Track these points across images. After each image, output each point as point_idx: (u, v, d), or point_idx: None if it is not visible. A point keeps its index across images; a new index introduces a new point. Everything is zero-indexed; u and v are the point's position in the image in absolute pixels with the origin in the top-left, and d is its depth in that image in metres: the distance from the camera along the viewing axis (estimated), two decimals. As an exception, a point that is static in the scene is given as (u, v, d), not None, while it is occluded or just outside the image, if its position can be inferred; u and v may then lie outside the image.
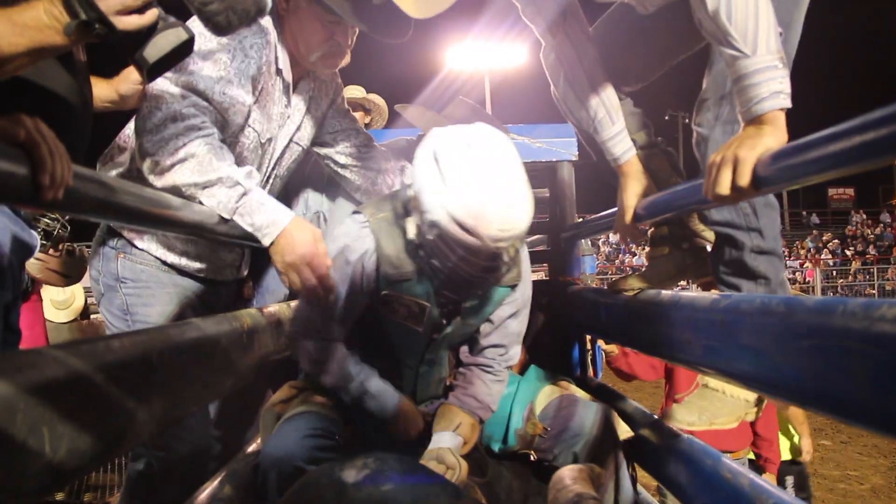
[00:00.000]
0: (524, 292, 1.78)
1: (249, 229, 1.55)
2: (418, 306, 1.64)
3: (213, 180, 1.53)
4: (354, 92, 3.49)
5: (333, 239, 1.68)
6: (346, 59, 1.87)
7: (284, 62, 1.79)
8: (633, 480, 1.75)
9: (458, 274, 1.50)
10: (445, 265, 1.51)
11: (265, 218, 1.56)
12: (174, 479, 1.74)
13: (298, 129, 1.94)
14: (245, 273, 2.10)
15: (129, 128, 1.77)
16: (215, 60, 1.62)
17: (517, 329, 1.82)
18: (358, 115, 3.45)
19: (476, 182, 1.39)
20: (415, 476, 1.33)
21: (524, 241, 1.64)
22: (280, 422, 1.61)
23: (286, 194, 2.14)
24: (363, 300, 1.66)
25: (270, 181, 1.95)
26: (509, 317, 1.78)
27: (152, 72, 1.18)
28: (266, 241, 1.57)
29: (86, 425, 0.82)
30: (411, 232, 1.56)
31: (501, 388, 1.81)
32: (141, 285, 1.80)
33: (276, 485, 1.45)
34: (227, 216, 1.53)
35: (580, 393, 1.85)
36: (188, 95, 1.58)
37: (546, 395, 1.81)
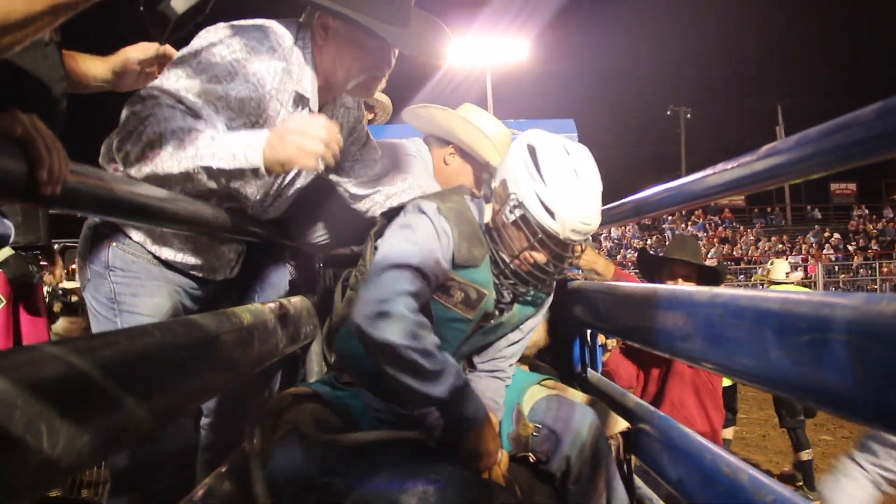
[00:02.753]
0: (550, 301, 1.94)
1: (233, 164, 1.48)
2: (476, 293, 1.70)
3: (176, 145, 1.46)
4: None
5: (409, 227, 1.67)
6: (383, 85, 1.88)
7: (313, 92, 1.78)
8: (630, 476, 1.77)
9: (522, 264, 1.66)
10: (515, 252, 1.65)
11: (241, 143, 1.49)
12: (161, 477, 1.73)
13: None
14: (236, 272, 2.08)
15: None
16: (203, 74, 1.58)
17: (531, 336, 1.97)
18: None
19: (569, 179, 1.61)
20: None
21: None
22: (282, 432, 1.59)
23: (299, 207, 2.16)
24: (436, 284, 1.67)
25: (276, 200, 1.97)
26: (533, 328, 1.95)
27: (177, 25, 1.14)
28: (255, 160, 1.49)
29: (84, 421, 0.81)
30: (487, 216, 1.74)
31: (506, 390, 1.89)
32: (130, 275, 1.77)
33: (291, 497, 1.46)
34: (206, 163, 1.47)
35: (569, 391, 1.89)
36: (156, 95, 1.53)
37: (532, 394, 1.84)
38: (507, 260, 1.67)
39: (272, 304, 1.80)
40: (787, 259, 24.14)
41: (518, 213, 1.62)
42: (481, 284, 1.70)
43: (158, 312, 1.78)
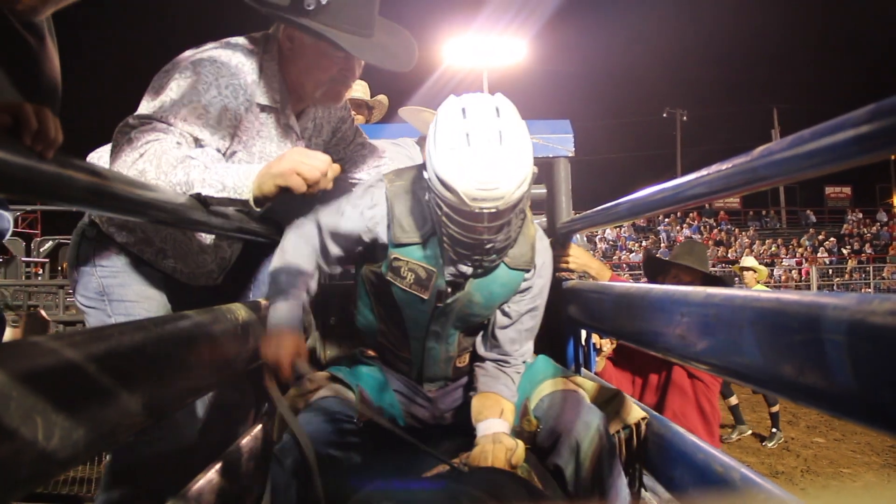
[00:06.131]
0: (541, 286, 1.85)
1: (224, 195, 1.52)
2: (425, 271, 1.70)
3: (167, 170, 1.51)
4: (358, 91, 3.49)
5: (349, 199, 1.77)
6: (350, 93, 1.90)
7: (283, 101, 1.82)
8: (639, 469, 1.78)
9: (456, 237, 1.56)
10: (442, 227, 1.58)
11: (234, 174, 1.54)
12: (157, 473, 1.74)
13: None
14: (220, 281, 2.08)
15: None
16: (179, 94, 1.63)
17: (532, 325, 1.89)
18: (362, 115, 3.49)
19: (457, 144, 1.48)
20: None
21: (521, 215, 1.63)
22: (302, 411, 1.66)
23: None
24: (352, 249, 1.79)
25: None
26: (526, 312, 1.85)
27: None
28: (246, 194, 1.53)
29: (79, 415, 0.82)
30: (426, 196, 1.65)
31: (520, 377, 1.88)
32: (117, 269, 1.84)
33: (292, 469, 1.49)
34: (196, 190, 1.50)
35: (586, 385, 1.87)
36: (147, 122, 1.59)
37: (541, 391, 1.83)
38: (441, 237, 1.63)
39: (267, 301, 1.80)
40: (782, 262, 24.39)
41: (430, 192, 1.57)
42: (429, 262, 1.69)
43: (146, 299, 1.84)
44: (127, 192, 1.14)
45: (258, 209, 1.57)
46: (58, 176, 0.92)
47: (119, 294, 1.82)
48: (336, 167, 1.61)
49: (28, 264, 10.55)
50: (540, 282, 1.84)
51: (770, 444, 6.15)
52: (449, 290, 1.73)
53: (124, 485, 1.77)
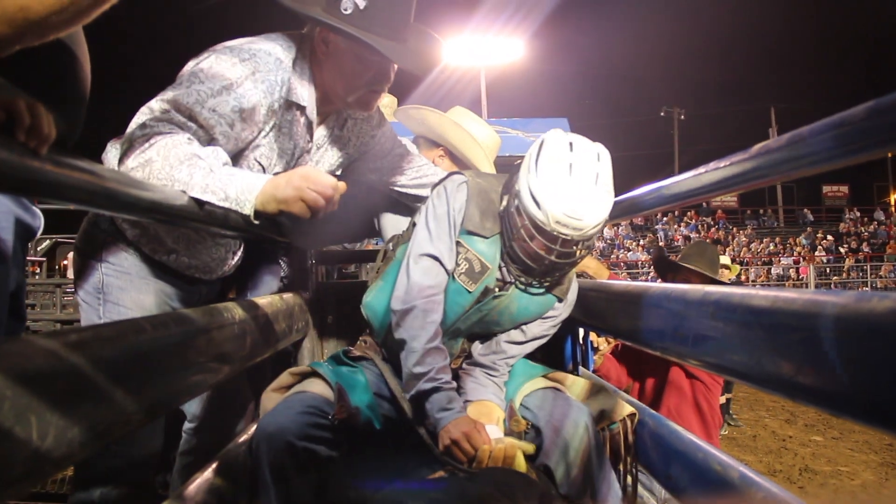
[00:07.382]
0: (562, 319, 1.96)
1: (226, 205, 1.50)
2: (481, 265, 1.79)
3: (173, 163, 1.48)
4: (387, 108, 3.50)
5: (433, 198, 1.84)
6: (382, 100, 1.90)
7: (311, 101, 1.81)
8: (634, 465, 1.78)
9: (525, 250, 1.71)
10: (513, 239, 1.73)
11: (238, 185, 1.51)
12: (133, 472, 1.75)
13: (316, 164, 1.97)
14: (232, 270, 2.08)
15: None
16: (213, 82, 1.60)
17: (534, 347, 1.98)
18: None
19: (560, 171, 1.64)
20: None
21: (586, 253, 1.75)
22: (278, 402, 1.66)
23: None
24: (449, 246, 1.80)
25: None
26: (539, 336, 1.95)
27: None
28: (247, 208, 1.51)
29: (74, 414, 0.81)
30: (503, 204, 1.80)
31: (505, 386, 1.92)
32: (121, 269, 1.80)
33: (266, 457, 1.50)
34: (198, 195, 1.47)
35: (568, 381, 1.90)
36: (167, 110, 1.56)
37: (525, 391, 1.85)
38: (507, 244, 1.76)
39: (264, 300, 1.79)
40: (780, 261, 24.44)
41: (515, 202, 1.70)
42: (486, 258, 1.78)
43: (142, 309, 1.79)
44: (123, 190, 1.13)
45: (257, 222, 1.56)
46: (52, 173, 0.92)
47: (116, 297, 1.79)
48: (342, 185, 1.60)
49: (25, 263, 10.51)
50: (564, 314, 1.95)
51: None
52: (496, 289, 1.82)
53: (98, 485, 1.75)
